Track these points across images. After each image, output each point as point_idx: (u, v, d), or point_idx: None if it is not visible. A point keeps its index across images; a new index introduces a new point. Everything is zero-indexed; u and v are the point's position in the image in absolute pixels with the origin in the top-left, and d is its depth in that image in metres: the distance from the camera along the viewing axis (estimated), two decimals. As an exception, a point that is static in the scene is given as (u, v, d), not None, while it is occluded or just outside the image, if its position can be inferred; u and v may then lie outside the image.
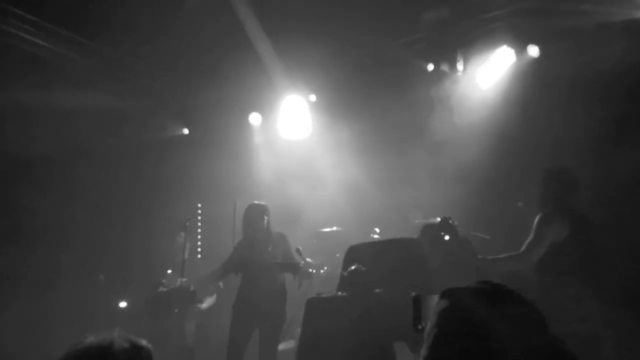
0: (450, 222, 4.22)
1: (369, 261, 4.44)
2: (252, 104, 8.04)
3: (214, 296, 6.91)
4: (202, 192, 8.21)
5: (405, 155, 6.73)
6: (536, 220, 4.12)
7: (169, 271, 6.91)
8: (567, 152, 5.79)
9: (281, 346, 5.74)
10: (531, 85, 6.22)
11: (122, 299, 6.80)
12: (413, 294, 2.12)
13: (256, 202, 5.77)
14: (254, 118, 8.15)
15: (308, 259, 5.82)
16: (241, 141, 8.05)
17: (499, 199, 6.13)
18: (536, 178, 4.38)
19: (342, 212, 7.21)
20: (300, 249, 5.75)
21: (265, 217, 5.67)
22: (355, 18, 6.19)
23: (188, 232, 6.56)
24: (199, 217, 8.46)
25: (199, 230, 8.42)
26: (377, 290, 4.28)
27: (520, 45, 6.46)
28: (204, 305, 6.78)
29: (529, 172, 5.94)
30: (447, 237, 4.21)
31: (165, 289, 6.20)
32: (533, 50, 6.36)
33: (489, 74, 6.70)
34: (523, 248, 4.10)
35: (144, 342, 1.89)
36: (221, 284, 6.72)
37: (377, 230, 6.63)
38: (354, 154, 7.20)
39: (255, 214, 5.66)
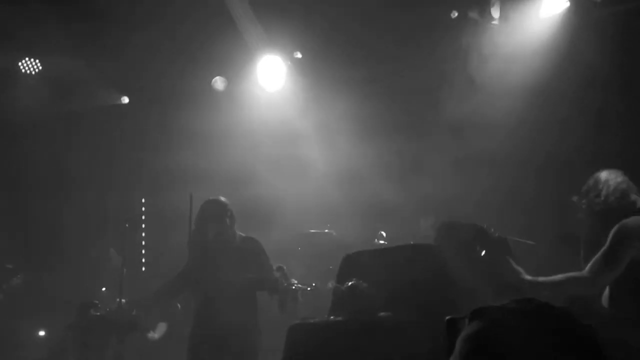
0: (489, 231, 4.21)
1: (373, 275, 4.40)
2: (215, 65, 7.96)
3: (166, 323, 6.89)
4: (147, 181, 8.14)
5: (419, 136, 6.71)
6: (613, 231, 3.99)
7: (104, 289, 6.88)
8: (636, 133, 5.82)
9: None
10: (591, 42, 6.22)
11: (40, 326, 6.77)
12: (448, 317, 2.13)
13: (219, 197, 5.68)
14: (218, 83, 8.09)
15: (294, 281, 5.72)
16: (200, 114, 7.98)
17: (543, 192, 6.15)
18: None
19: (336, 210, 7.18)
20: (285, 268, 5.68)
21: (228, 219, 5.60)
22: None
23: (128, 237, 6.53)
24: (143, 216, 8.41)
25: (143, 234, 8.37)
26: (382, 313, 4.26)
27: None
28: (156, 334, 6.76)
29: (586, 158, 5.99)
30: (482, 253, 4.22)
31: (98, 313, 6.16)
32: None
33: (535, 24, 6.66)
34: (589, 267, 3.97)
35: None
36: (179, 304, 6.67)
37: (384, 234, 6.65)
38: (350, 132, 7.17)
39: (216, 213, 5.58)
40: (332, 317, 4.38)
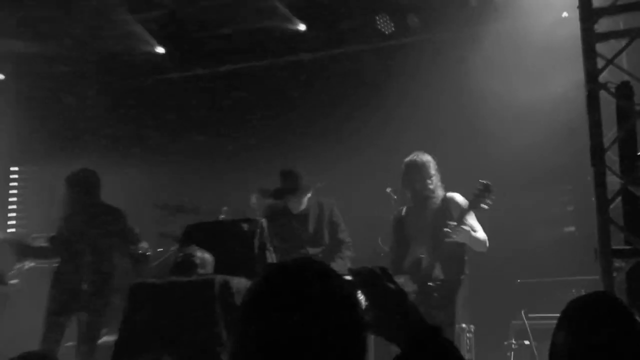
0: None
1: (209, 243, 5.02)
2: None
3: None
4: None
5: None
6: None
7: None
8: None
9: (105, 338, 6.09)
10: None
11: None
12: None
13: (87, 168, 6.28)
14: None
15: (145, 245, 6.26)
16: None
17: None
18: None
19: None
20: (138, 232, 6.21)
21: (92, 188, 6.20)
22: None
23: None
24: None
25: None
26: (214, 275, 4.75)
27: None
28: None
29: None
30: None
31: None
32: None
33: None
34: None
35: None
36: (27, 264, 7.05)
37: (226, 208, 7.16)
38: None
39: (83, 183, 6.18)
40: (172, 277, 4.80)
